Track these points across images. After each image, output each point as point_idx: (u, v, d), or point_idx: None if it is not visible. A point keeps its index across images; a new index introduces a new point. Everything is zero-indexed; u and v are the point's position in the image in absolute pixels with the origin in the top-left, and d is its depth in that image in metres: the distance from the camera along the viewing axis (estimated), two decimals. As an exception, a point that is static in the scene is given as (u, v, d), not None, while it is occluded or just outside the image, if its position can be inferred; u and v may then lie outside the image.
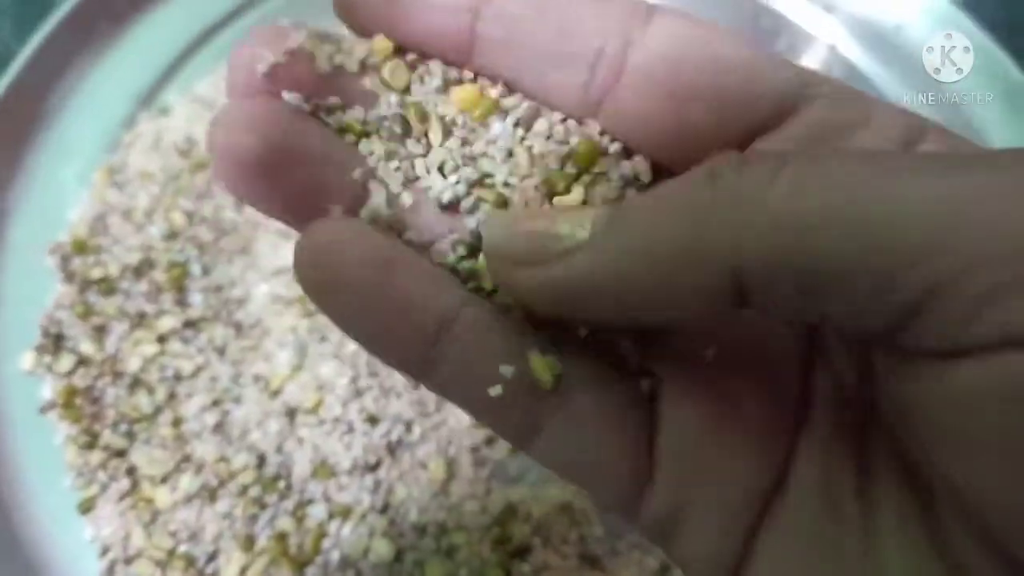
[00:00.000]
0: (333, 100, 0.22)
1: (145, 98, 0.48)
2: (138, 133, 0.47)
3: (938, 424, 0.17)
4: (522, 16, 0.22)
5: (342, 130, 0.22)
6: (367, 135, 0.22)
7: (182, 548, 0.39)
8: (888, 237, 0.16)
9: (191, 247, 0.44)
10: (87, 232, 0.44)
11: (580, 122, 0.23)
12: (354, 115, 0.22)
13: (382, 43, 0.22)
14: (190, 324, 0.43)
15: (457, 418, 0.41)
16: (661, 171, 0.23)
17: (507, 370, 0.21)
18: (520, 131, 0.23)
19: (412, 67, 0.23)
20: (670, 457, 0.22)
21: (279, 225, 0.21)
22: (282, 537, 0.39)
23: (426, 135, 0.23)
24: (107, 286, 0.43)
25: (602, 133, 0.23)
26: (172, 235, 0.45)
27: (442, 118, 0.23)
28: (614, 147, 0.23)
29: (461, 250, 0.22)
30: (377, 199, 0.22)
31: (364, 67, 0.22)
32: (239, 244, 0.45)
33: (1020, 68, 0.46)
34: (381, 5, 0.22)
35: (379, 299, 0.20)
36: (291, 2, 0.50)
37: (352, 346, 0.42)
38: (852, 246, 0.16)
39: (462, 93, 0.22)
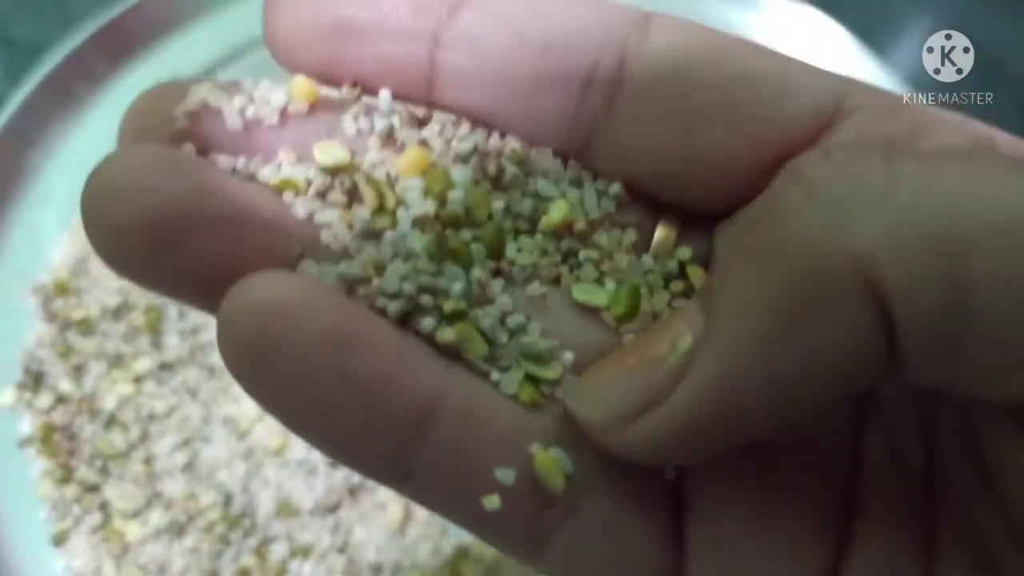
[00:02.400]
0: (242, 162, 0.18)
1: (126, 148, 0.50)
2: (121, 179, 0.49)
3: None
4: (492, 39, 0.18)
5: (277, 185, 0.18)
6: (306, 192, 0.18)
7: (150, 581, 0.41)
8: None
9: (168, 292, 0.47)
10: (68, 274, 0.46)
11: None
12: (288, 171, 0.18)
13: (303, 85, 0.18)
14: (165, 366, 0.45)
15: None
16: (672, 211, 0.20)
17: (507, 475, 0.17)
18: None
19: (357, 99, 0.19)
20: (705, 551, 0.18)
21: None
22: (245, 573, 0.41)
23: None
24: (87, 327, 0.45)
25: (596, 177, 0.20)
26: (150, 280, 0.47)
27: (387, 181, 0.19)
28: (612, 189, 0.20)
29: (438, 311, 0.17)
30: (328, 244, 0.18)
31: (285, 116, 0.18)
32: (214, 289, 0.47)
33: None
34: (322, 39, 0.18)
35: (337, 389, 0.15)
36: (271, 58, 0.52)
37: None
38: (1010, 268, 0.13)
39: (407, 160, 0.19)
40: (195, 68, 0.52)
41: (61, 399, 0.44)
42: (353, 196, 0.18)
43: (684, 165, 0.19)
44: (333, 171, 0.18)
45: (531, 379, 0.18)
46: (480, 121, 0.19)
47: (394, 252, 0.18)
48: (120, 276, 0.16)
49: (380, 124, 0.19)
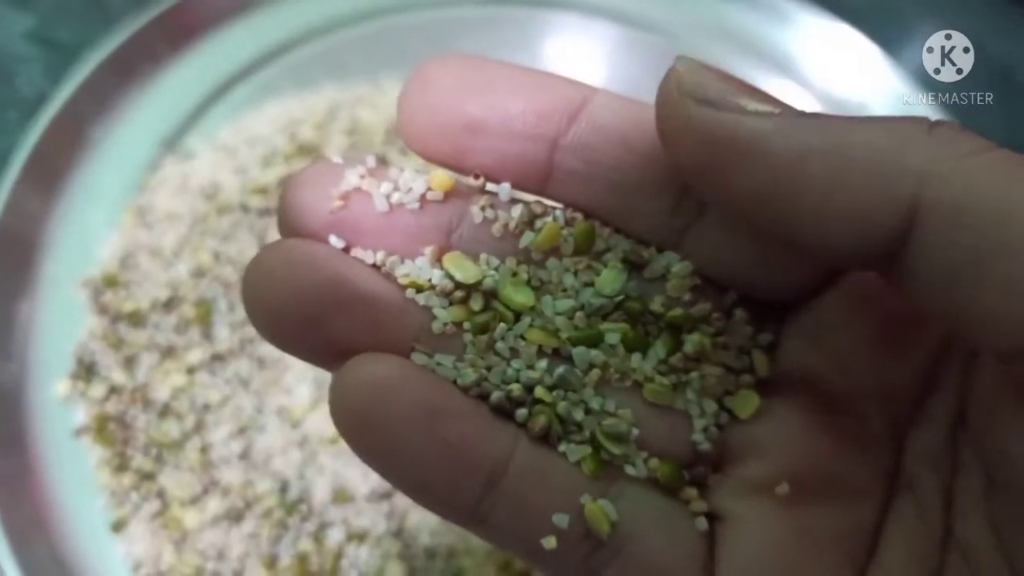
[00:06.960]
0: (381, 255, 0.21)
1: (170, 143, 0.51)
2: (164, 176, 0.50)
3: None
4: (604, 148, 0.20)
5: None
6: (433, 290, 0.21)
7: (210, 566, 0.42)
8: None
9: (217, 285, 0.48)
10: (118, 268, 0.47)
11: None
12: (416, 270, 0.21)
13: (442, 177, 0.21)
14: (217, 357, 0.46)
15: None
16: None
17: (562, 519, 0.20)
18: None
19: (481, 191, 0.22)
20: None
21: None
22: (303, 558, 0.42)
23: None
24: (137, 319, 0.46)
25: (684, 257, 0.22)
26: (199, 273, 0.48)
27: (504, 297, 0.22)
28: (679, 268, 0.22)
29: (516, 392, 0.21)
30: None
31: (424, 201, 0.21)
32: (261, 283, 0.48)
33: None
34: (454, 136, 0.21)
35: (427, 449, 0.19)
36: (309, 57, 0.54)
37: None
38: None
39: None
40: (242, 59, 0.53)
41: (114, 389, 0.45)
42: (470, 296, 0.21)
43: (759, 265, 0.21)
44: (459, 283, 0.21)
45: (595, 453, 0.21)
46: (590, 214, 0.22)
47: (498, 354, 0.21)
48: (275, 346, 0.20)
49: (503, 217, 0.22)
